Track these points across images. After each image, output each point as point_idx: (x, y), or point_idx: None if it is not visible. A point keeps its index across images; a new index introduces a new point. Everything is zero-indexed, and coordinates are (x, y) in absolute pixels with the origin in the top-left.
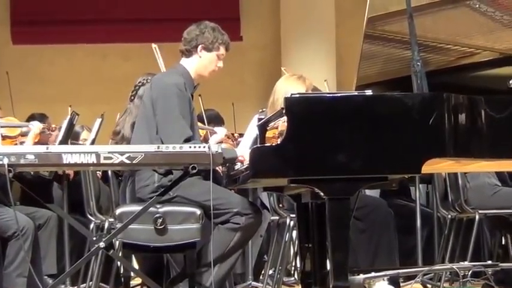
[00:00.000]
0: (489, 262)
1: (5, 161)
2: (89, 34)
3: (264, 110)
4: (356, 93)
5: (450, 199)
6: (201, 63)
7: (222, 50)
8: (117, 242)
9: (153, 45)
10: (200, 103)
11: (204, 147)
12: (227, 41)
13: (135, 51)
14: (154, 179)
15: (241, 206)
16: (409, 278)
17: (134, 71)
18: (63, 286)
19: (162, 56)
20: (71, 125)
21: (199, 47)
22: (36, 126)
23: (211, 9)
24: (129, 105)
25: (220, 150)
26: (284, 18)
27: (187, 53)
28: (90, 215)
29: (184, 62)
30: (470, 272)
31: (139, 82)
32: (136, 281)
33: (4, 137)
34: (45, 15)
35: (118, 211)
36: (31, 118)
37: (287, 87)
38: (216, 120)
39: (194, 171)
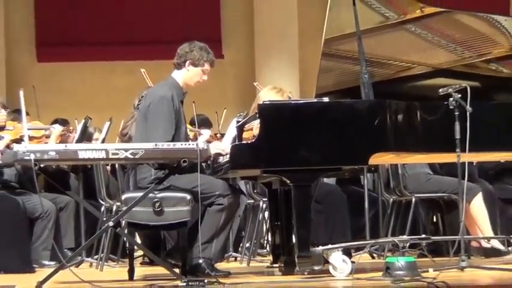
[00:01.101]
0: (423, 236)
1: (32, 156)
2: (99, 53)
3: (240, 114)
4: (315, 101)
5: (392, 185)
6: (188, 75)
7: (206, 66)
8: (123, 222)
9: (142, 70)
10: (193, 109)
11: (193, 144)
12: (212, 59)
13: (136, 67)
14: (151, 173)
15: (223, 188)
16: (359, 249)
17: (136, 83)
18: (79, 257)
19: (155, 70)
20: (85, 127)
21: (187, 62)
22: (57, 129)
23: (198, 32)
24: (135, 112)
25: (206, 147)
26: (257, 41)
27: (178, 66)
28: (101, 200)
29: (175, 73)
30: (408, 244)
31: (144, 94)
32: (139, 253)
33: (31, 138)
34: (65, 38)
35: (123, 197)
36: (55, 122)
37: (268, 97)
38: (205, 123)
39: (185, 164)
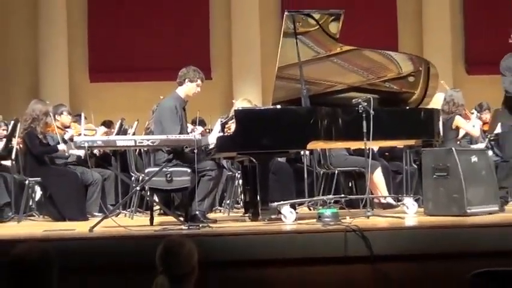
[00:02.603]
0: (342, 195)
1: (86, 144)
2: (132, 76)
3: (223, 117)
4: (272, 107)
5: (322, 162)
6: (187, 89)
7: (199, 82)
8: (146, 187)
9: (161, 97)
10: (197, 114)
11: (192, 136)
12: (202, 77)
13: (155, 85)
14: (164, 155)
15: (211, 165)
16: (300, 204)
17: (155, 96)
18: (118, 210)
19: (169, 87)
20: (121, 125)
21: (186, 80)
22: (101, 130)
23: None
24: (153, 115)
25: (200, 138)
26: (234, 68)
27: (180, 84)
28: (132, 172)
29: (178, 89)
30: (333, 200)
31: (158, 104)
32: (157, 207)
33: (86, 135)
34: (111, 62)
35: (146, 170)
36: (103, 123)
37: (241, 105)
38: (202, 122)
39: (187, 149)
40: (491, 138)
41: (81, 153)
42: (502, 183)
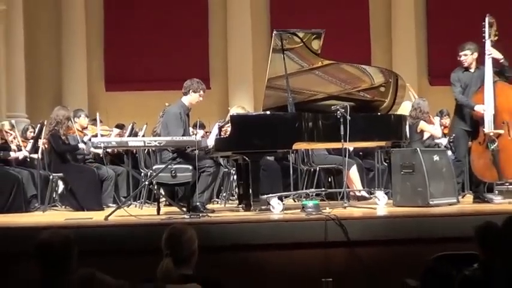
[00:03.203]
0: (323, 189)
1: (102, 144)
2: (140, 86)
3: (220, 121)
4: (262, 113)
5: (305, 160)
6: (191, 98)
7: (201, 92)
8: (154, 181)
9: (166, 104)
10: (198, 119)
11: (194, 138)
12: (204, 88)
13: (163, 94)
14: (169, 154)
15: (210, 162)
16: (287, 197)
17: (162, 104)
18: (129, 202)
19: (173, 95)
20: (132, 128)
21: (190, 91)
22: (114, 132)
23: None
24: (160, 119)
25: (200, 140)
26: (230, 80)
27: (185, 94)
28: (141, 169)
29: (183, 98)
30: (315, 193)
31: (164, 110)
32: (163, 199)
33: (102, 135)
34: (124, 74)
35: (154, 167)
36: (117, 126)
37: (235, 112)
38: (202, 126)
39: (189, 149)
40: (451, 140)
41: (100, 151)
42: (457, 179)
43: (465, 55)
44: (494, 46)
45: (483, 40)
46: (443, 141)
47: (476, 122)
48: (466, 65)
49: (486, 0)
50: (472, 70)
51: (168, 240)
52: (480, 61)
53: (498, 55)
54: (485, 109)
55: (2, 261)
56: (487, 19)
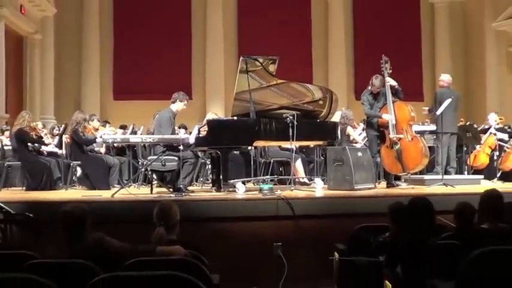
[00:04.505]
0: (275, 176)
1: (110, 140)
2: (142, 95)
3: (199, 123)
4: (230, 118)
5: (262, 154)
6: (178, 106)
7: (185, 102)
8: (149, 168)
9: (156, 111)
10: (186, 123)
11: (179, 136)
12: (188, 99)
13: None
14: (161, 148)
15: (191, 155)
16: (248, 182)
17: (155, 110)
18: (130, 183)
19: (163, 103)
20: (132, 128)
21: (177, 100)
22: (119, 131)
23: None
24: (153, 121)
25: (184, 137)
26: (207, 91)
27: (173, 102)
28: (139, 159)
29: (172, 105)
30: (269, 179)
31: (156, 113)
32: (155, 182)
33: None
34: (128, 87)
35: (148, 158)
36: (120, 127)
37: (210, 117)
38: (185, 127)
39: (175, 144)
40: (365, 142)
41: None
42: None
43: (374, 85)
44: (391, 76)
45: (381, 73)
46: (361, 142)
47: (383, 129)
48: (374, 91)
49: (397, 39)
50: (376, 94)
51: (159, 213)
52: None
53: (393, 82)
54: (390, 118)
55: (37, 226)
56: (383, 58)
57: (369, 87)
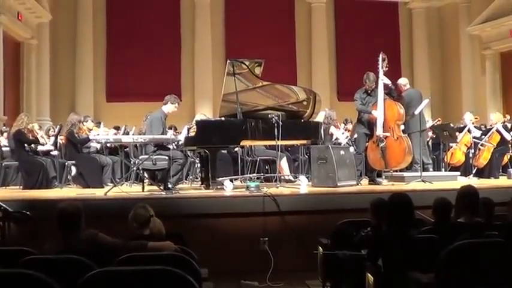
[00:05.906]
0: (262, 174)
1: (103, 140)
2: (134, 97)
3: (188, 124)
4: (218, 119)
5: (249, 153)
6: (169, 108)
7: (176, 104)
8: (140, 167)
9: (148, 113)
10: (175, 123)
11: (169, 136)
12: (178, 101)
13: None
14: (152, 148)
15: (180, 155)
16: (236, 179)
17: (147, 112)
18: (122, 182)
19: (155, 105)
20: (125, 128)
21: (169, 102)
22: (111, 132)
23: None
24: (145, 122)
25: (173, 137)
26: (196, 94)
27: (165, 104)
28: (131, 158)
29: (163, 107)
30: (256, 177)
31: (148, 114)
32: (146, 180)
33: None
34: (120, 89)
35: (140, 157)
36: (114, 128)
37: (199, 118)
38: (175, 128)
39: (166, 144)
40: (353, 140)
41: (98, 146)
42: (357, 168)
43: (366, 82)
44: (385, 74)
45: (377, 70)
46: (344, 141)
47: (372, 126)
48: (368, 88)
49: (378, 42)
50: (370, 92)
51: (136, 217)
52: (376, 85)
53: (387, 81)
54: (378, 115)
55: (34, 223)
56: (380, 56)
57: (363, 87)
